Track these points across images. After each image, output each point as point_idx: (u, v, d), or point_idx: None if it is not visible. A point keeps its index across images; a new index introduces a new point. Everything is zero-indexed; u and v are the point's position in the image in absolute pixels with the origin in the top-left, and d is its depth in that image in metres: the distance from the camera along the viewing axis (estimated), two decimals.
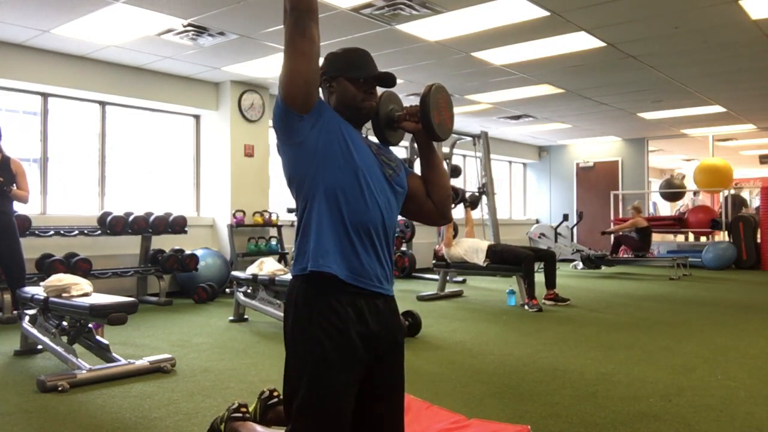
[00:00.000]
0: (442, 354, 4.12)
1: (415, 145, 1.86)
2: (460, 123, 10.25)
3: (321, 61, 1.71)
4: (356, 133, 1.69)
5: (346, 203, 1.60)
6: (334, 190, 1.60)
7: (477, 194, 8.03)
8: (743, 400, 3.04)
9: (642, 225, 10.04)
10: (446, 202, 1.83)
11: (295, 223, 1.71)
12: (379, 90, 1.78)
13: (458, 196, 7.59)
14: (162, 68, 6.92)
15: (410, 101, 1.68)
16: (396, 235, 1.55)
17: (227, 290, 7.02)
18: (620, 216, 12.46)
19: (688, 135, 12.13)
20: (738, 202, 12.08)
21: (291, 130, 1.62)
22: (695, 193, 15.30)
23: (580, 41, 5.91)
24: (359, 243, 1.62)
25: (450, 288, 7.28)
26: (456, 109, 9.17)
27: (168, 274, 6.69)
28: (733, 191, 11.73)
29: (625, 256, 10.43)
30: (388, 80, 1.73)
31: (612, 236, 10.97)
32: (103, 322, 3.50)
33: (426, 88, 1.75)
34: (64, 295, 3.66)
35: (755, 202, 14.26)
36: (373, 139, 1.86)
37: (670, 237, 12.97)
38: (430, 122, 1.72)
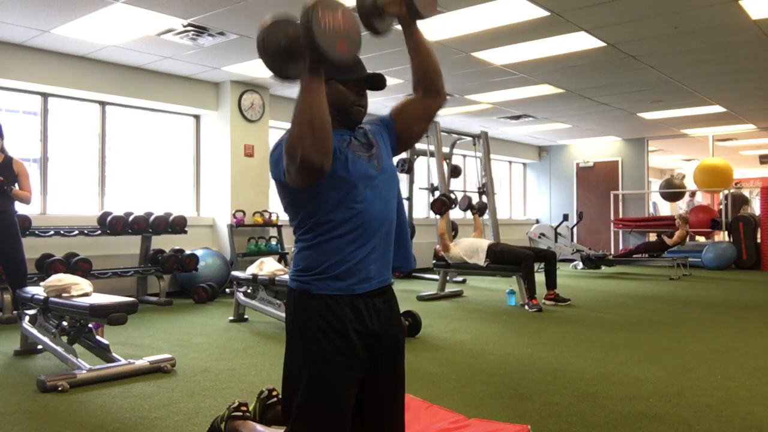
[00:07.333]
0: (442, 354, 4.12)
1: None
2: (460, 123, 10.25)
3: None
4: (344, 143, 1.66)
5: (343, 214, 1.61)
6: (333, 208, 1.60)
7: (484, 201, 8.02)
8: (743, 400, 3.04)
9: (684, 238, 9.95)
10: (439, 81, 1.84)
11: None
12: (370, 93, 1.76)
13: (468, 203, 7.64)
14: (162, 68, 6.92)
15: None
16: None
17: (227, 290, 7.02)
18: (620, 216, 12.46)
19: (688, 135, 12.13)
20: (739, 200, 12.05)
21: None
22: (692, 194, 15.27)
23: (580, 41, 5.91)
24: (355, 248, 1.62)
25: (450, 288, 7.28)
26: (456, 109, 9.25)
27: (168, 274, 6.69)
28: (732, 190, 11.72)
29: (637, 256, 10.32)
30: (379, 81, 1.73)
31: (616, 238, 10.87)
32: (103, 322, 3.51)
33: None
34: (64, 295, 3.66)
35: (755, 202, 14.23)
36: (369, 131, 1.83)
37: None
38: (412, 0, 1.70)
